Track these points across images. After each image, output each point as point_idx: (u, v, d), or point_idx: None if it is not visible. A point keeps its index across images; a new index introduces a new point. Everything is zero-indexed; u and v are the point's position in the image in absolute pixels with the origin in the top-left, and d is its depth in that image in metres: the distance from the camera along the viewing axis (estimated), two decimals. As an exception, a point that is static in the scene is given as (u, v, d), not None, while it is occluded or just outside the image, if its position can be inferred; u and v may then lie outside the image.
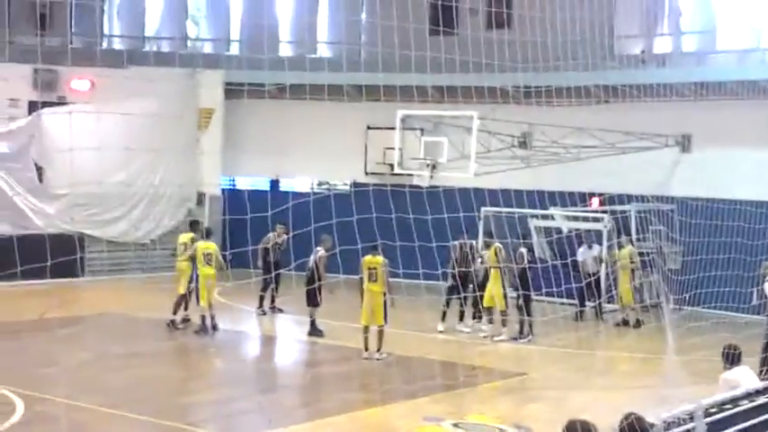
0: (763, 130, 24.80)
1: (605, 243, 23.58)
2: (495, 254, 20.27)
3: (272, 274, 21.26)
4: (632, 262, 22.34)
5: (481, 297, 20.17)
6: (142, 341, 18.33)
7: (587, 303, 23.10)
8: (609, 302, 23.01)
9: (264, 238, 21.41)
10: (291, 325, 21.61)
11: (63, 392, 12.93)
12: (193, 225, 21.31)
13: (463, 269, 20.20)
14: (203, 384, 15.97)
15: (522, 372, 16.83)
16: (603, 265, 23.28)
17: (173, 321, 19.94)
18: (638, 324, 21.60)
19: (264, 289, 21.99)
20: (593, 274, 22.69)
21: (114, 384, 15.11)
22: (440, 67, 22.01)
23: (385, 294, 17.43)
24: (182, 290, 20.02)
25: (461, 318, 21.09)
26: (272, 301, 22.16)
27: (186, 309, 20.20)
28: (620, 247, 22.82)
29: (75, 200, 27.22)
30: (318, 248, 19.05)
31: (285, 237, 21.26)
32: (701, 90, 24.95)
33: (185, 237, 20.73)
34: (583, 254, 23.46)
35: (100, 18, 32.52)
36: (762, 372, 14.83)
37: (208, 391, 15.42)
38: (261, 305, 22.14)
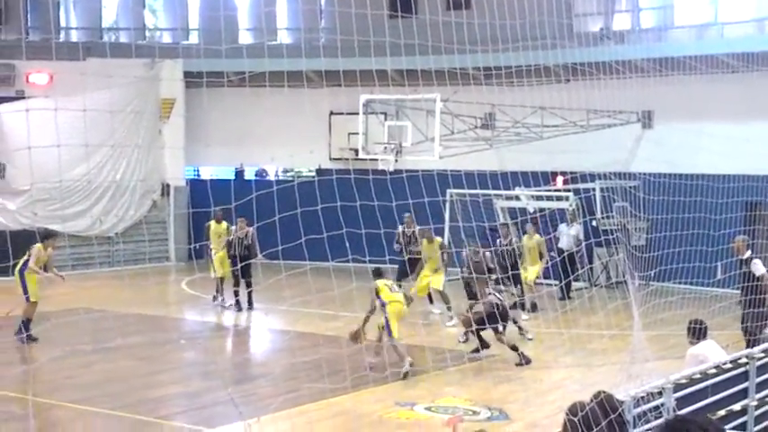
0: (723, 104, 25.04)
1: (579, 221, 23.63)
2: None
3: (234, 268, 21.14)
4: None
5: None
6: (111, 336, 18.21)
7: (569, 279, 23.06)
8: (576, 280, 23.12)
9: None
10: (260, 315, 21.57)
11: (33, 390, 12.84)
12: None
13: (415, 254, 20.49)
14: (174, 377, 15.92)
15: (492, 353, 16.89)
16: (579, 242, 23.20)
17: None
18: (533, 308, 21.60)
19: (236, 284, 21.68)
20: (567, 251, 22.79)
21: (85, 380, 15.05)
22: (400, 50, 22.00)
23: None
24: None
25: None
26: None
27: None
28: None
29: (38, 195, 26.99)
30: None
31: (248, 230, 21.11)
32: (660, 66, 25.10)
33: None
34: (561, 231, 23.57)
35: (56, 10, 32.21)
36: (747, 342, 15.11)
37: (179, 383, 15.38)
38: (237, 301, 21.83)
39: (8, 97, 28.21)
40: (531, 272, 21.75)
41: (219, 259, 22.13)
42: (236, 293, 21.70)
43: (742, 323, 16.12)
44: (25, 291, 18.23)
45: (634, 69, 24.73)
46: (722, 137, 24.03)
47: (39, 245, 18.54)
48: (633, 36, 27.25)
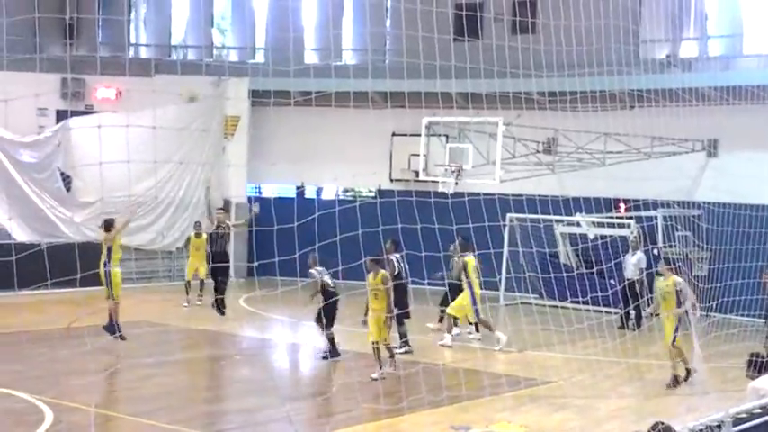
0: (791, 135, 24.71)
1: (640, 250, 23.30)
2: (465, 267, 20.02)
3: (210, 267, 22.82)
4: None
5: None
6: (171, 350, 18.46)
7: (628, 309, 22.65)
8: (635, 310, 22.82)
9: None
10: (316, 333, 21.63)
11: (93, 401, 13.02)
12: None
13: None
14: (231, 392, 16.06)
15: (549, 380, 16.79)
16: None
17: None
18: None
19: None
20: (629, 280, 22.48)
21: (144, 393, 15.22)
22: (464, 73, 22.05)
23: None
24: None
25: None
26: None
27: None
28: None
29: (103, 208, 27.35)
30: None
31: (227, 224, 21.88)
32: (727, 95, 24.85)
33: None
34: (626, 259, 23.17)
35: (127, 27, 32.79)
36: None
37: (236, 399, 15.51)
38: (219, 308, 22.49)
39: (77, 111, 28.76)
40: (666, 328, 16.79)
41: (190, 264, 25.04)
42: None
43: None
44: (110, 287, 18.35)
45: (700, 97, 24.53)
46: (789, 168, 23.72)
47: (106, 234, 18.71)
48: (700, 64, 27.03)
